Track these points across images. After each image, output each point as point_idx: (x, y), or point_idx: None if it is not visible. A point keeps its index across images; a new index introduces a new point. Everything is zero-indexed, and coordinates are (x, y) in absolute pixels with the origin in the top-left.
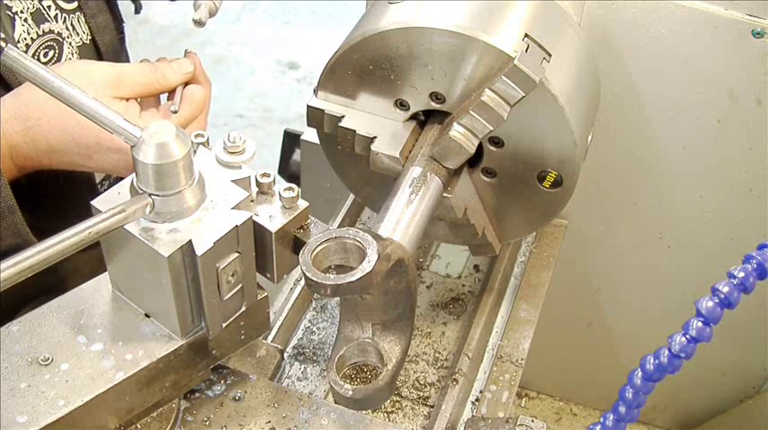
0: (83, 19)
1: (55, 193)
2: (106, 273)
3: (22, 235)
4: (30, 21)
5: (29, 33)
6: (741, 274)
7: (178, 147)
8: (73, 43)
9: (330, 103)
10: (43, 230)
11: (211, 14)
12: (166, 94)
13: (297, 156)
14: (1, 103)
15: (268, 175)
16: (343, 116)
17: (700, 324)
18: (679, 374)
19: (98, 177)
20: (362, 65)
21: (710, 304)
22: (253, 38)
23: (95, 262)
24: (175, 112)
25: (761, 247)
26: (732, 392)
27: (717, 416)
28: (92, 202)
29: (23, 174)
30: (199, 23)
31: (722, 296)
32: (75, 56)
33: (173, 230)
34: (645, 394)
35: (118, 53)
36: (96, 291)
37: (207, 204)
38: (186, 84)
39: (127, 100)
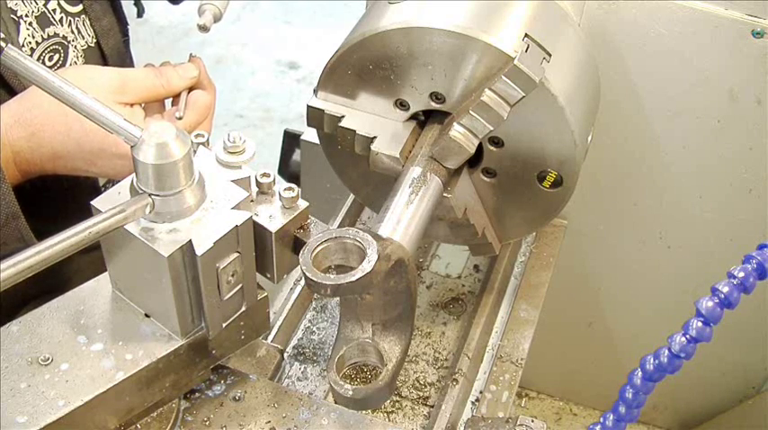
0: (88, 22)
1: (59, 198)
2: (106, 273)
3: (26, 240)
4: (35, 24)
5: (33, 37)
6: (741, 274)
7: (178, 148)
8: (78, 47)
9: (330, 103)
10: (47, 235)
11: (216, 20)
12: (171, 99)
13: (297, 156)
14: (6, 108)
15: (268, 175)
16: (343, 116)
17: (700, 324)
18: (679, 374)
19: (101, 181)
20: (362, 65)
21: (710, 304)
22: (253, 38)
23: (98, 264)
24: (180, 119)
25: (761, 247)
26: (732, 392)
27: (717, 416)
28: (92, 202)
29: (27, 179)
30: (203, 29)
31: (722, 296)
32: (80, 59)
33: (173, 230)
34: (645, 394)
35: (122, 56)
36: (96, 291)
37: (207, 204)
38: (191, 89)
39: (131, 105)
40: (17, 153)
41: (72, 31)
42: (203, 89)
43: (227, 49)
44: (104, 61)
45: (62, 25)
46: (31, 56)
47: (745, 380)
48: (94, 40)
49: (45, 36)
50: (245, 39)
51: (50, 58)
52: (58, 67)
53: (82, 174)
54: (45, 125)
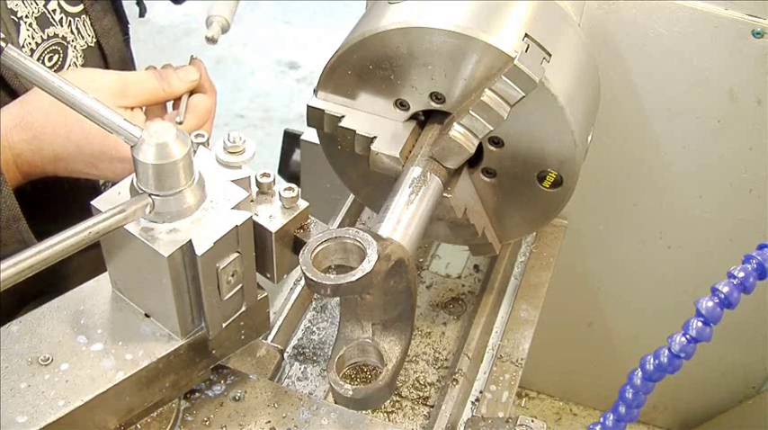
0: (88, 22)
1: (59, 200)
2: (106, 272)
3: (26, 242)
4: (35, 25)
5: (33, 38)
6: (741, 274)
7: (178, 148)
8: (78, 47)
9: (330, 103)
10: (48, 236)
11: (224, 31)
12: (171, 103)
13: (297, 156)
14: (6, 111)
15: (268, 175)
16: (343, 116)
17: (700, 324)
18: (679, 374)
19: (102, 182)
20: (362, 65)
21: (710, 304)
22: (253, 38)
23: (97, 261)
24: (180, 123)
25: (761, 247)
26: (732, 392)
27: (717, 416)
28: (92, 202)
29: (28, 180)
30: (211, 41)
31: (722, 296)
32: (80, 59)
33: (173, 230)
34: (645, 394)
35: (123, 55)
36: (96, 291)
37: (207, 204)
38: (192, 92)
39: (132, 109)
40: (18, 155)
41: (72, 32)
42: (204, 92)
43: (227, 50)
44: (105, 61)
45: (62, 26)
46: (30, 56)
47: (745, 380)
48: (95, 40)
49: (45, 37)
50: (245, 39)
51: (50, 59)
52: (58, 68)
53: (83, 177)
54: (46, 128)
